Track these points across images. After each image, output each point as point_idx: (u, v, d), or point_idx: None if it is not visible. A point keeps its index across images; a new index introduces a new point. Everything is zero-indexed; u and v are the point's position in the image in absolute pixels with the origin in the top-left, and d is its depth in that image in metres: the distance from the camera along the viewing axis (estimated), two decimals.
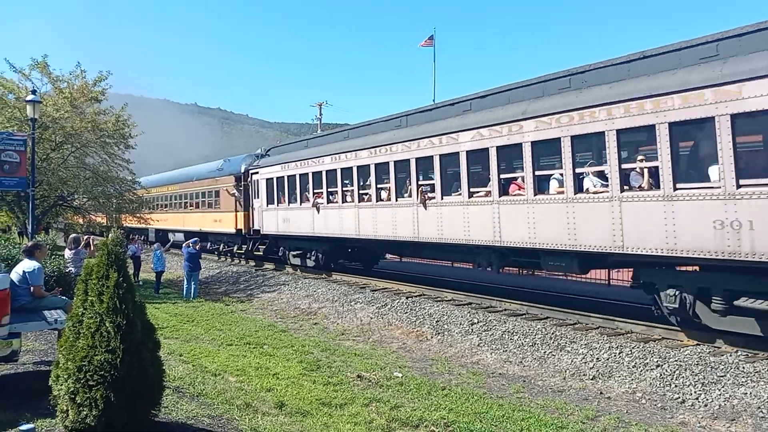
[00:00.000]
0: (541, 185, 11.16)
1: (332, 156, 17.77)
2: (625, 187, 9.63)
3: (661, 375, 8.54)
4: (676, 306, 9.42)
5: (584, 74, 10.70)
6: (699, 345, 9.32)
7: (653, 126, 9.10)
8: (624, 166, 9.68)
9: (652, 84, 9.17)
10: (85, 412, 4.31)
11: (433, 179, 13.85)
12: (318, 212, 18.49)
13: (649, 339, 9.88)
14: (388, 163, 15.23)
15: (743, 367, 8.13)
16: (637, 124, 9.37)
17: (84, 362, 4.36)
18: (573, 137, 10.35)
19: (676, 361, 8.75)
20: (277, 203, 21.29)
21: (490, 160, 12.05)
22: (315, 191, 18.78)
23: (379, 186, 15.79)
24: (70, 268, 11.80)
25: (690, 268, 9.72)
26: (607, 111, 9.73)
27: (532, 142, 11.12)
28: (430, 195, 13.85)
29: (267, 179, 22.08)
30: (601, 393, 8.46)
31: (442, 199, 13.50)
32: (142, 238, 34.01)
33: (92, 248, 12.10)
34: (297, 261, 21.19)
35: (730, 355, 8.63)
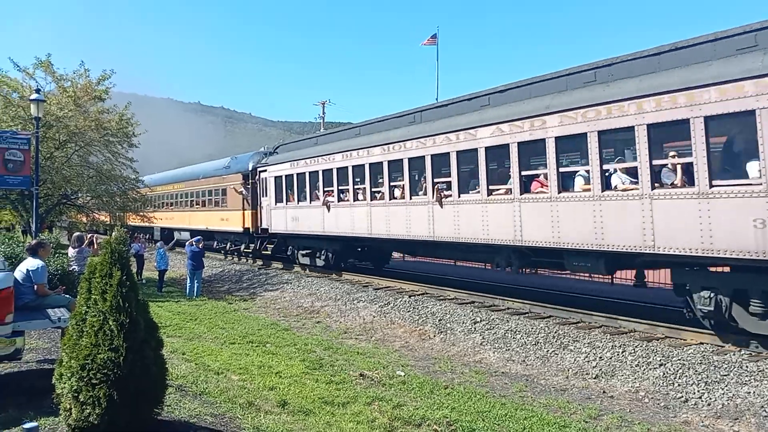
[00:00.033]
0: (565, 182, 10.77)
1: (343, 153, 17.38)
2: (656, 185, 9.24)
3: (664, 374, 8.52)
4: (711, 309, 8.99)
5: (610, 67, 10.29)
6: (702, 344, 9.29)
7: (687, 120, 8.68)
8: (655, 162, 9.27)
9: (686, 76, 8.77)
10: (88, 411, 4.32)
11: (449, 176, 13.39)
12: (328, 211, 18.16)
13: (652, 338, 9.85)
14: (401, 160, 14.83)
15: (746, 366, 8.11)
16: (670, 119, 8.95)
17: (87, 360, 4.37)
18: (600, 132, 9.95)
19: (679, 360, 8.73)
20: (286, 202, 20.96)
21: (510, 157, 11.66)
22: (325, 189, 18.42)
23: (392, 184, 15.43)
24: (73, 267, 11.84)
25: (720, 269, 9.36)
26: (636, 105, 9.33)
27: (556, 138, 10.71)
28: (446, 193, 13.43)
29: (275, 177, 21.75)
30: (604, 392, 8.45)
31: (459, 197, 13.10)
32: (147, 237, 34.06)
33: (95, 247, 12.13)
34: (306, 260, 20.87)
35: (734, 354, 8.60)
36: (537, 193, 11.26)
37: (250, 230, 24.24)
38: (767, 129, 7.82)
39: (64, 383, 4.45)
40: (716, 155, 8.92)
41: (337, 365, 9.12)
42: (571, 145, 10.85)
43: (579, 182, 10.55)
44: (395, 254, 22.23)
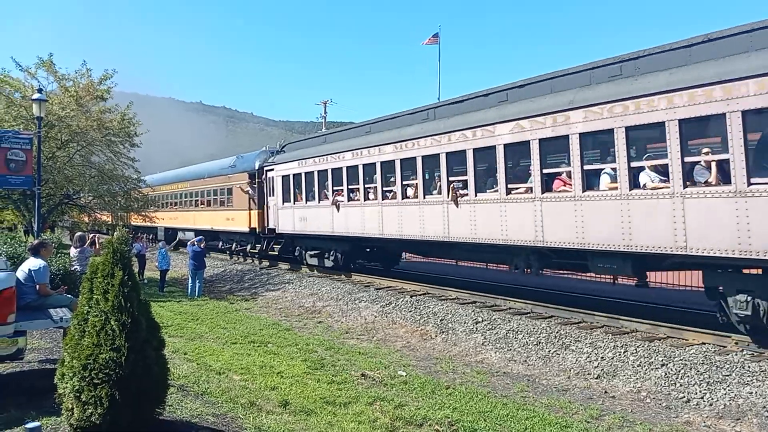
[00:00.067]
0: (590, 181, 10.34)
1: (353, 151, 16.96)
2: (688, 183, 8.83)
3: (666, 374, 8.51)
4: (748, 313, 8.59)
5: (637, 61, 9.85)
6: (704, 344, 9.26)
7: (723, 115, 8.26)
8: (687, 159, 8.85)
9: (722, 69, 8.34)
10: (90, 411, 4.33)
11: (465, 175, 12.94)
12: (338, 210, 17.72)
13: (654, 338, 9.84)
14: (415, 158, 14.41)
15: (749, 367, 8.09)
16: (704, 113, 8.53)
17: (89, 360, 4.38)
18: (628, 128, 9.49)
19: (681, 360, 8.72)
20: (294, 201, 20.54)
21: (531, 154, 11.21)
22: (335, 189, 18.01)
23: (405, 183, 15.03)
24: (75, 267, 11.87)
25: (756, 271, 9.00)
26: (667, 99, 8.89)
27: (580, 134, 10.27)
28: (462, 192, 13.02)
29: (283, 176, 21.32)
30: (605, 392, 8.44)
31: (476, 196, 12.65)
32: (151, 237, 33.97)
33: (97, 247, 12.16)
34: (314, 261, 20.38)
35: (736, 355, 8.59)
36: (560, 192, 10.84)
37: (257, 230, 23.85)
38: None
39: (66, 383, 4.46)
40: (755, 152, 8.46)
41: (338, 365, 9.13)
42: (597, 142, 10.47)
43: (605, 180, 10.12)
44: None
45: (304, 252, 21.02)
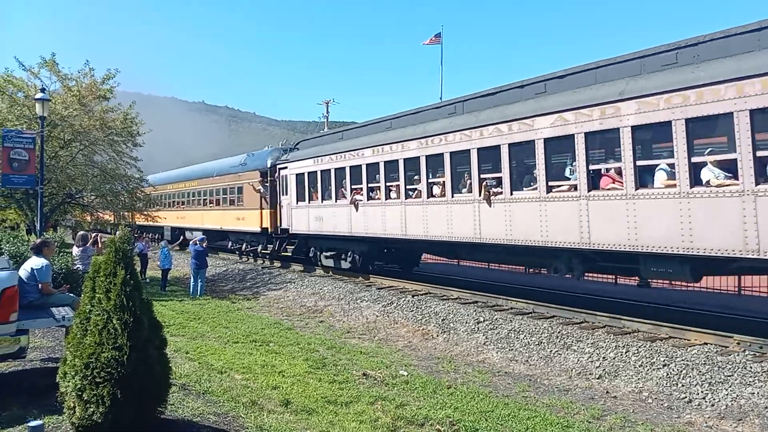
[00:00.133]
0: (642, 178, 9.67)
1: (374, 148, 16.20)
2: (761, 180, 8.17)
3: (667, 374, 8.50)
4: None
5: (696, 47, 9.12)
6: (706, 344, 9.25)
7: None
8: (760, 153, 8.15)
9: None
10: (92, 409, 4.34)
11: (499, 172, 12.23)
12: (356, 210, 17.03)
13: (656, 338, 9.83)
14: (442, 154, 13.68)
15: (751, 367, 8.08)
16: None
17: (91, 359, 4.39)
18: (688, 120, 8.78)
19: (683, 360, 8.71)
20: (309, 200, 19.84)
21: (576, 149, 10.50)
22: (353, 187, 17.31)
23: (430, 180, 14.33)
24: (77, 266, 11.91)
25: None
26: (736, 88, 8.21)
27: (632, 127, 9.56)
28: (495, 190, 12.27)
29: (297, 174, 20.57)
30: (607, 392, 8.43)
31: (511, 194, 11.94)
32: (158, 237, 33.81)
33: (100, 246, 12.18)
34: (330, 263, 19.60)
35: (738, 355, 8.57)
36: (609, 189, 10.13)
37: (269, 230, 23.24)
38: None
39: (68, 382, 4.47)
40: None
41: (340, 365, 9.13)
42: (652, 136, 9.83)
43: (660, 177, 9.44)
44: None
45: (319, 253, 20.29)
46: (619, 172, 9.98)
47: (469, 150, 12.91)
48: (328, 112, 40.83)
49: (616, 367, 9.10)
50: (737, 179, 8.37)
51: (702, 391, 7.90)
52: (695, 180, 8.89)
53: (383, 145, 15.90)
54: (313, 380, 7.80)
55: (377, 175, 16.22)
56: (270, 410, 6.15)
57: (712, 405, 7.59)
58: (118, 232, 4.96)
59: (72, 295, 7.86)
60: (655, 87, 9.30)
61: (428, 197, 14.34)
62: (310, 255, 20.94)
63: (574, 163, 10.77)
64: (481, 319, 12.14)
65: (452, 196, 13.58)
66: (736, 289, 15.03)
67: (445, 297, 14.54)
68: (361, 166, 16.85)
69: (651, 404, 7.91)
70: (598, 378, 8.98)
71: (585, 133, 10.37)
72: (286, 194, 21.49)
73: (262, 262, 25.01)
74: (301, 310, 15.70)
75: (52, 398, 4.96)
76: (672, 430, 6.95)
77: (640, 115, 9.48)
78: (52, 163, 20.08)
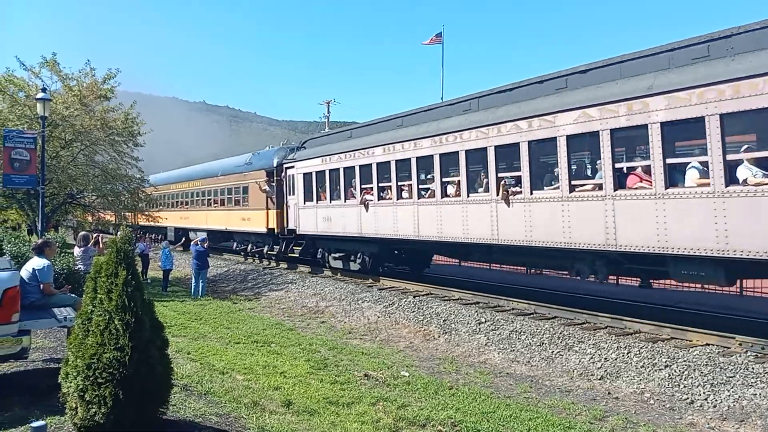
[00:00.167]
0: (672, 176, 9.28)
1: (384, 147, 15.77)
2: None
3: (669, 375, 8.49)
4: None
5: (730, 39, 8.70)
6: (708, 345, 9.24)
7: None
8: None
9: None
10: (93, 410, 4.34)
11: (518, 171, 11.83)
12: (366, 210, 16.61)
13: (658, 339, 9.82)
14: (457, 152, 13.25)
15: (753, 368, 8.07)
16: None
17: (93, 360, 4.39)
18: (723, 116, 8.36)
19: (684, 361, 8.70)
20: (317, 200, 19.38)
21: (601, 146, 10.08)
22: (363, 187, 16.88)
23: (444, 180, 13.87)
24: (79, 266, 11.91)
25: None
26: None
27: (661, 123, 9.15)
28: (514, 189, 11.87)
29: (305, 174, 20.13)
30: (609, 393, 8.42)
31: (531, 194, 11.52)
32: (161, 237, 33.72)
33: (101, 246, 12.19)
34: (338, 264, 19.17)
35: (740, 356, 8.56)
36: (636, 188, 9.75)
37: (275, 231, 22.65)
38: None
39: (70, 382, 4.47)
40: None
41: (341, 365, 9.13)
42: (683, 132, 9.44)
43: (692, 176, 9.03)
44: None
45: (327, 254, 19.84)
46: (646, 170, 9.62)
47: (486, 148, 12.49)
48: (329, 112, 40.86)
49: (617, 368, 9.09)
50: None
51: (704, 392, 7.89)
52: (731, 178, 8.47)
53: (395, 143, 15.48)
54: (315, 381, 7.79)
55: (388, 175, 15.79)
56: (272, 411, 6.15)
57: (714, 406, 7.58)
58: (119, 233, 4.95)
59: (73, 295, 7.86)
60: (686, 81, 8.92)
61: (442, 197, 13.94)
62: (318, 256, 20.53)
63: (598, 162, 10.40)
64: (483, 319, 12.14)
65: (468, 196, 13.15)
66: (738, 289, 15.01)
67: (446, 298, 14.53)
68: (371, 165, 16.44)
69: (653, 405, 7.90)
70: (599, 379, 8.97)
71: (611, 130, 9.96)
72: (293, 194, 21.12)
73: (267, 263, 24.65)
74: (302, 310, 15.70)
75: (54, 399, 4.96)
76: (674, 431, 6.94)
77: (669, 111, 9.08)
78: (54, 163, 20.11)
